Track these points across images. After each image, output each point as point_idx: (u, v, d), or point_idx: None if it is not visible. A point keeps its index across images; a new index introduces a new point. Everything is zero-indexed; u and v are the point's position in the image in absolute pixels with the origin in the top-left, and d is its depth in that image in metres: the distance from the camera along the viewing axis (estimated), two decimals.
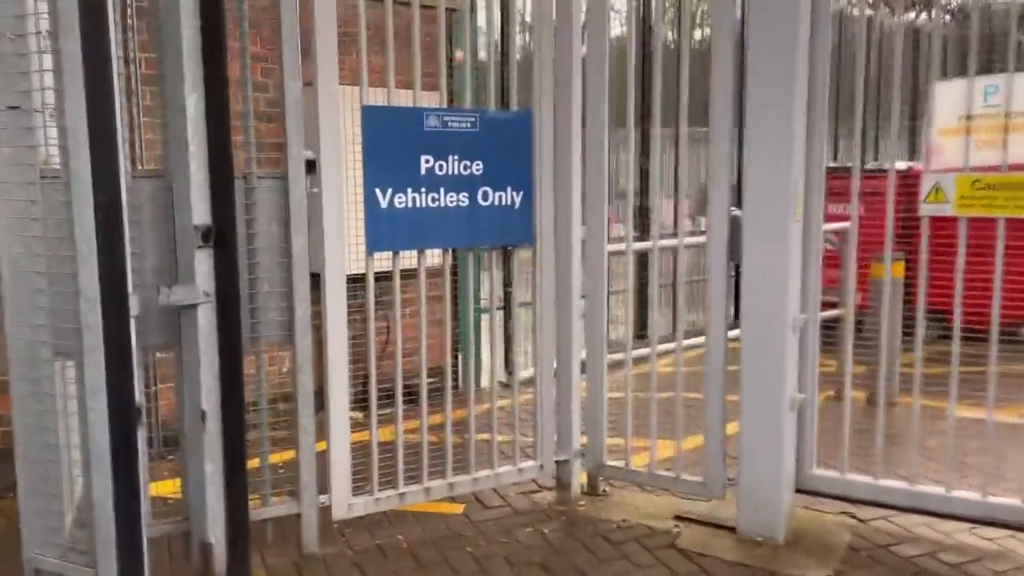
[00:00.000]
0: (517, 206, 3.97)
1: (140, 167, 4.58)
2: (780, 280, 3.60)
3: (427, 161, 3.73)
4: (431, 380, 3.99)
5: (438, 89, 3.85)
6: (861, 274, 4.16)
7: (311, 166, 3.48)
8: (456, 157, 3.79)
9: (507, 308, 5.43)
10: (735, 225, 3.71)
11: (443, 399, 4.01)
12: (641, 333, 6.99)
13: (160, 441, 4.42)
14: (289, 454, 3.71)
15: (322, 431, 3.66)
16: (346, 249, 3.65)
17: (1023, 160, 3.39)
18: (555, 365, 4.21)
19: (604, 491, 4.35)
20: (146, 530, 2.95)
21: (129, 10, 4.44)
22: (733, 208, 3.72)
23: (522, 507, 4.23)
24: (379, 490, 3.82)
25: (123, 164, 2.78)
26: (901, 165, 5.10)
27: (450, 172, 3.78)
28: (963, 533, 3.78)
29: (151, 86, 4.45)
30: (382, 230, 3.66)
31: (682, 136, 4.00)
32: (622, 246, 4.44)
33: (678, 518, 4.01)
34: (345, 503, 3.75)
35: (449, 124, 3.77)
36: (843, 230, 4.38)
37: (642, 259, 7.14)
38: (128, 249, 2.79)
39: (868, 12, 9.16)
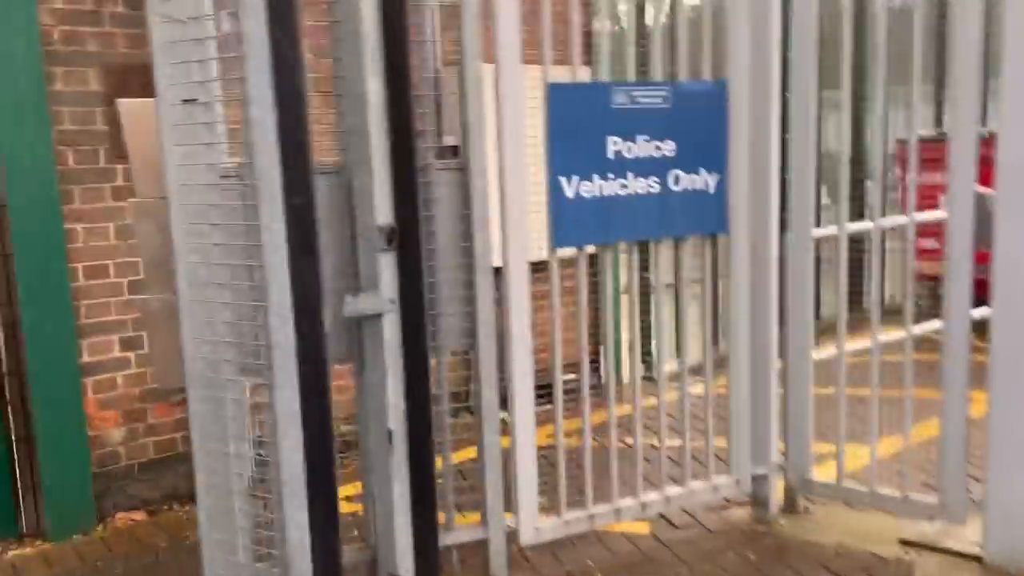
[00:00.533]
0: (712, 190, 3.52)
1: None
2: None
3: (615, 143, 3.32)
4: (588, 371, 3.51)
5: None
6: None
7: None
8: (646, 137, 3.37)
9: (677, 298, 4.92)
10: (980, 204, 3.18)
11: (604, 394, 3.53)
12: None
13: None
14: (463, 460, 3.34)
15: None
16: (525, 242, 3.28)
17: None
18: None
19: (805, 508, 3.88)
20: None
21: None
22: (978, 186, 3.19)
23: (714, 526, 3.81)
24: (567, 510, 3.46)
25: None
26: None
27: (639, 155, 3.37)
28: None
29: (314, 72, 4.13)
30: (568, 223, 3.28)
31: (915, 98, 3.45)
32: (833, 229, 3.71)
33: (904, 543, 3.51)
34: (532, 526, 3.40)
35: (638, 100, 3.35)
36: None
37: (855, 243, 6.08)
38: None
39: None
